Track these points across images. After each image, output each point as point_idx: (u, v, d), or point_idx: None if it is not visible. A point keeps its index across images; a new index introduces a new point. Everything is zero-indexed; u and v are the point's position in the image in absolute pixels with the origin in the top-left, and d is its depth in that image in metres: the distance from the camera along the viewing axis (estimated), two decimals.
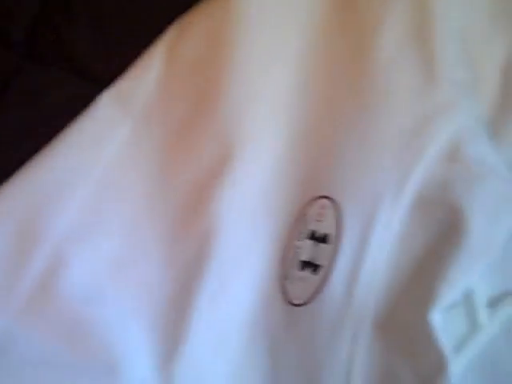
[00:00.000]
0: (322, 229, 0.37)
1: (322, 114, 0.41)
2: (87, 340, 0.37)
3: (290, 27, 0.43)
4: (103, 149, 0.42)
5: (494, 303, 0.38)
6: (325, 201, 0.38)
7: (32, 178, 0.40)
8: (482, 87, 0.42)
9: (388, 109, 0.39)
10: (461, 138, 0.37)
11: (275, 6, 0.43)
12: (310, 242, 0.38)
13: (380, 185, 0.37)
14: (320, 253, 0.37)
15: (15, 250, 0.39)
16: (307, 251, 0.38)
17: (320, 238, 0.37)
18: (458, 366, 0.36)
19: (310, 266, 0.37)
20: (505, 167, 0.38)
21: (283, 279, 0.38)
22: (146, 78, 0.43)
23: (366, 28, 0.41)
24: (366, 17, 0.41)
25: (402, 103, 0.38)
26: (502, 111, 0.41)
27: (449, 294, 0.33)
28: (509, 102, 0.42)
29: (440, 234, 0.35)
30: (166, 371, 0.37)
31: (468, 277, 0.33)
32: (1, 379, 0.37)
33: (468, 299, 0.37)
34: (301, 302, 0.37)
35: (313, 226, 0.38)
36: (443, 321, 0.34)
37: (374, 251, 0.35)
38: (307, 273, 0.37)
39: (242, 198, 0.40)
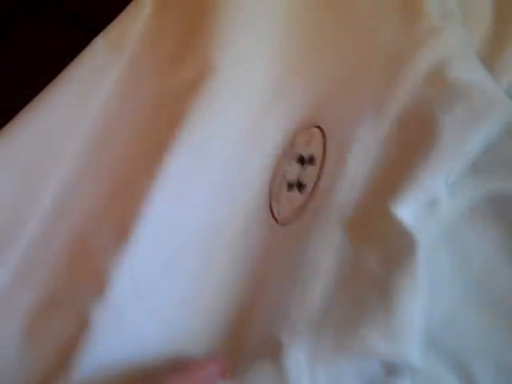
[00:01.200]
0: (308, 151, 0.39)
1: (309, 44, 0.42)
2: None
3: None
4: (100, 83, 0.43)
5: None
6: (315, 130, 0.39)
7: (34, 118, 0.42)
8: (473, 22, 0.41)
9: (373, 37, 0.39)
10: (448, 62, 0.37)
11: None
12: (297, 165, 0.39)
13: (362, 106, 0.37)
14: (306, 173, 0.38)
15: (21, 191, 0.41)
16: (294, 173, 0.39)
17: (307, 160, 0.38)
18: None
19: (297, 185, 0.38)
20: (493, 84, 0.37)
21: (271, 201, 0.40)
22: (138, 16, 0.45)
23: None
24: None
25: (387, 30, 0.39)
26: (496, 46, 0.41)
27: (413, 189, 0.33)
28: (502, 38, 0.41)
29: (413, 142, 0.35)
30: None
31: (434, 177, 0.33)
32: None
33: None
34: (288, 220, 0.38)
35: (300, 150, 0.39)
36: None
37: (352, 166, 0.35)
38: (294, 192, 0.38)
39: (223, 113, 0.40)
